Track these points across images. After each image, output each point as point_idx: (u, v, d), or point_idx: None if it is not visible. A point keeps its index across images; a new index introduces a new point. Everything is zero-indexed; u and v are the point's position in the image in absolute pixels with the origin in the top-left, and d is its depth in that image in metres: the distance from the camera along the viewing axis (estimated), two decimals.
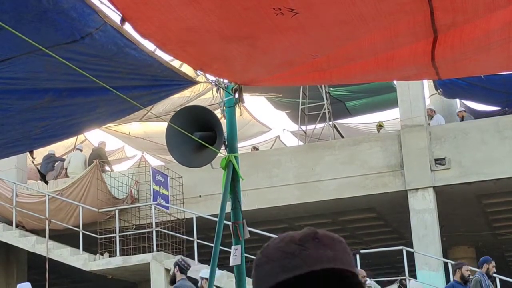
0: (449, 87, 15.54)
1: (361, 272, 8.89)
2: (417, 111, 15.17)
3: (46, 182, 16.91)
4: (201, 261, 14.41)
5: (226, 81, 5.00)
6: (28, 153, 5.08)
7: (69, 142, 19.88)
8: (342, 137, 19.55)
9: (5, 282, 16.41)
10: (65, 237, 15.55)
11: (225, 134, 5.32)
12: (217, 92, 5.25)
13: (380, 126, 19.24)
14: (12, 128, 4.25)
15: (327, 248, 1.28)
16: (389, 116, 18.11)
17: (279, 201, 15.36)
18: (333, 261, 1.24)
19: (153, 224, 14.68)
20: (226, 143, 5.30)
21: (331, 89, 19.12)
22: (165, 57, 3.87)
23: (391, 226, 18.05)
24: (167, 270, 14.08)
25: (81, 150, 18.53)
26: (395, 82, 16.35)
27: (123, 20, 3.24)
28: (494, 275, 13.64)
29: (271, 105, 21.82)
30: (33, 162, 18.20)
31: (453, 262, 14.60)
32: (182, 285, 8.89)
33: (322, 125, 18.88)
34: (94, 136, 26.42)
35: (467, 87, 15.39)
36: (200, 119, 5.34)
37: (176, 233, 14.89)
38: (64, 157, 19.03)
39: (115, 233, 14.92)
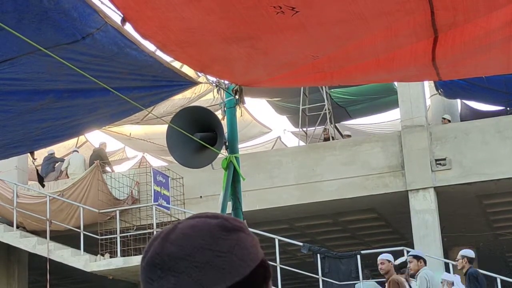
0: (449, 87, 15.53)
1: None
2: (417, 112, 15.17)
3: (43, 185, 16.94)
4: None
5: (226, 82, 5.00)
6: (29, 154, 5.09)
7: (70, 143, 19.88)
8: (343, 137, 19.54)
9: (6, 283, 16.41)
10: (66, 238, 15.54)
11: (226, 134, 5.32)
12: (217, 93, 5.25)
13: None
14: (13, 129, 4.25)
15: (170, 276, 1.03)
16: (390, 117, 18.09)
17: (280, 201, 15.36)
18: None
19: (153, 224, 14.68)
20: (227, 143, 5.31)
21: (332, 91, 19.10)
22: (166, 57, 3.87)
23: (392, 226, 18.04)
24: None
25: (77, 152, 18.54)
26: (395, 83, 16.35)
27: (123, 20, 3.24)
28: (494, 275, 13.65)
29: (271, 108, 21.82)
30: (33, 163, 18.24)
31: (453, 262, 14.61)
32: None
33: (322, 126, 18.88)
34: (95, 137, 26.41)
35: (467, 87, 15.38)
36: (201, 120, 5.35)
37: None
38: (65, 158, 19.03)
39: (116, 234, 14.92)
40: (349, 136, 18.32)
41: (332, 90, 19.07)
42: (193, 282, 1.01)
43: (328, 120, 18.27)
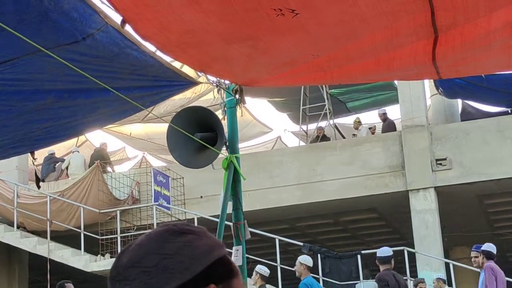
0: (449, 87, 15.53)
1: None
2: (418, 112, 15.17)
3: (38, 187, 16.97)
4: None
5: (227, 81, 5.00)
6: (29, 153, 5.10)
7: (70, 142, 19.88)
8: (343, 137, 19.55)
9: (7, 283, 16.42)
10: (67, 238, 15.55)
11: (226, 134, 5.32)
12: (218, 93, 5.25)
13: (358, 123, 19.21)
14: (14, 129, 4.26)
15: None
16: (390, 117, 18.05)
17: (281, 201, 15.36)
18: None
19: (154, 225, 14.68)
20: (227, 143, 5.31)
21: (332, 90, 19.11)
22: (166, 58, 3.88)
23: (392, 226, 18.04)
24: None
25: (78, 152, 18.56)
26: (395, 82, 16.35)
27: (123, 22, 3.24)
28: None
29: (272, 107, 21.82)
30: (33, 163, 18.16)
31: (454, 263, 14.62)
32: None
33: (323, 125, 18.88)
34: (95, 137, 26.42)
35: (467, 87, 15.38)
36: (201, 120, 5.35)
37: None
38: (65, 158, 19.05)
39: (117, 234, 14.92)
40: (355, 135, 18.42)
41: (332, 89, 19.07)
42: (142, 285, 1.06)
43: (328, 120, 18.28)
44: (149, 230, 1.16)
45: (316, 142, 17.51)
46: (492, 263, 9.31)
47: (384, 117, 18.06)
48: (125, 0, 3.03)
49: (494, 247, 9.62)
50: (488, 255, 9.42)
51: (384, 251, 8.83)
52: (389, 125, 17.58)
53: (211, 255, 1.11)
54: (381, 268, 8.66)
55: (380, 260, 8.71)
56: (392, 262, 8.73)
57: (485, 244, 9.84)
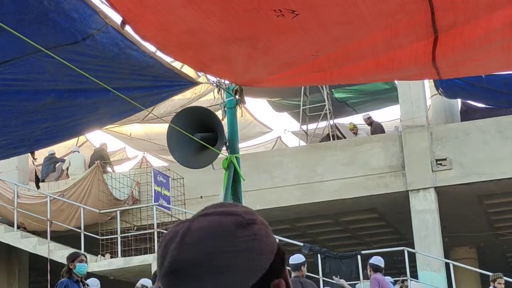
0: (449, 88, 15.53)
1: None
2: (418, 112, 15.17)
3: (38, 187, 16.98)
4: None
5: (227, 82, 5.00)
6: (29, 154, 5.10)
7: (70, 142, 19.89)
8: (344, 137, 19.54)
9: (7, 283, 16.42)
10: (67, 238, 15.55)
11: (226, 135, 5.32)
12: (218, 93, 5.25)
13: (355, 127, 18.86)
14: (14, 130, 4.26)
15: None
16: (390, 117, 18.06)
17: (280, 202, 15.36)
18: None
19: (154, 225, 14.69)
20: (227, 144, 5.31)
21: (334, 90, 19.09)
22: (166, 58, 3.88)
23: (393, 226, 18.04)
24: None
25: (78, 151, 18.57)
26: (396, 82, 16.34)
27: (123, 23, 3.24)
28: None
29: (271, 107, 21.79)
30: (33, 163, 18.15)
31: (454, 263, 14.60)
32: None
33: (323, 125, 18.86)
34: (95, 137, 26.41)
35: (467, 88, 15.38)
36: (201, 120, 5.35)
37: None
38: (65, 158, 19.05)
39: (117, 234, 14.92)
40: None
41: (333, 90, 19.05)
42: (218, 284, 1.00)
43: (328, 120, 18.27)
44: (207, 217, 1.05)
45: (326, 141, 17.41)
46: (378, 275, 9.88)
47: (369, 121, 18.10)
48: (125, 1, 3.03)
49: (382, 261, 10.17)
50: (375, 268, 9.96)
51: (295, 258, 8.75)
52: (375, 128, 17.63)
53: (273, 247, 1.06)
54: (292, 274, 8.57)
55: (291, 267, 8.57)
56: (303, 269, 8.60)
57: (373, 257, 10.40)
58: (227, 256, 1.00)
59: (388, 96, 19.23)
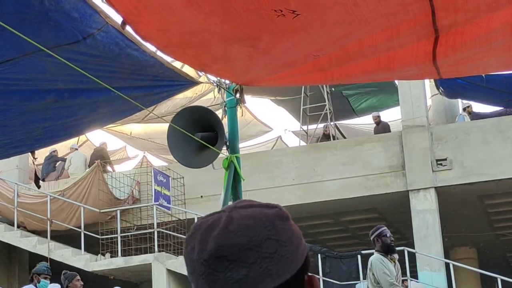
0: (450, 87, 15.52)
1: None
2: (418, 112, 15.16)
3: (38, 187, 16.99)
4: None
5: (227, 81, 5.00)
6: (30, 153, 5.10)
7: (71, 142, 19.89)
8: (344, 137, 19.54)
9: (7, 282, 16.42)
10: (67, 237, 15.55)
11: (227, 134, 5.32)
12: (218, 92, 5.25)
13: (377, 117, 18.55)
14: (14, 129, 4.26)
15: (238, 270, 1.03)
16: (391, 117, 18.02)
17: (281, 201, 15.32)
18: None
19: (154, 224, 14.69)
20: (228, 143, 5.30)
21: (333, 89, 19.09)
22: (167, 57, 3.88)
23: (393, 226, 18.01)
24: (169, 271, 14.10)
25: (77, 149, 18.56)
26: (396, 82, 16.34)
27: (124, 23, 3.24)
28: (495, 275, 13.64)
29: (272, 104, 21.80)
30: (33, 163, 18.15)
31: (454, 263, 14.60)
32: None
33: (323, 125, 18.86)
34: (96, 136, 26.40)
35: (468, 87, 15.37)
36: (202, 119, 5.35)
37: (178, 233, 14.89)
38: (66, 157, 19.05)
39: (117, 233, 14.92)
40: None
41: (333, 88, 19.05)
42: (263, 272, 1.02)
43: (329, 120, 18.27)
44: (246, 209, 1.07)
45: (324, 141, 17.42)
46: None
47: (378, 120, 18.05)
48: (125, 2, 3.03)
49: None
50: None
51: None
52: (383, 128, 17.59)
53: (304, 243, 1.10)
54: None
55: None
56: None
57: None
58: (275, 244, 1.04)
59: (393, 97, 19.18)
